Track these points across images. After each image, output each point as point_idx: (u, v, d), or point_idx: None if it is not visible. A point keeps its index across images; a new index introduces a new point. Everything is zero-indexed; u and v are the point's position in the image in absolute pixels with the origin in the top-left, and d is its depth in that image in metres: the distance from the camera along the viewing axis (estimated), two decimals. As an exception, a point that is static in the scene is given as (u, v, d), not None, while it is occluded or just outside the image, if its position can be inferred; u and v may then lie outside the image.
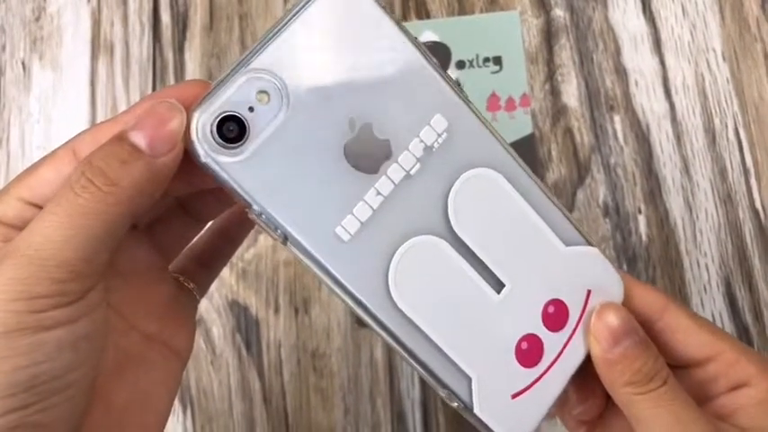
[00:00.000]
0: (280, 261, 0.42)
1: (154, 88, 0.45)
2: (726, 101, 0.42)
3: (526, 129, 0.42)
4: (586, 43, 0.43)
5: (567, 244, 0.24)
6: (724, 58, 0.42)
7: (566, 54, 0.43)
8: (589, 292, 0.25)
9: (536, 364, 0.24)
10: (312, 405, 0.40)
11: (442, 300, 0.23)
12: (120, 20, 0.46)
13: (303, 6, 0.21)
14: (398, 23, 0.22)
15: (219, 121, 0.20)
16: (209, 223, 0.28)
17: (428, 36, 0.44)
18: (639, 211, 0.41)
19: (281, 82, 0.21)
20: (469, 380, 0.23)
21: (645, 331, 0.24)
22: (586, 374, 0.25)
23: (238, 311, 0.41)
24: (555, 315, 0.24)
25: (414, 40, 0.22)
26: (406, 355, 0.23)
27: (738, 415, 0.24)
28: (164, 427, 0.23)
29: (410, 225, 0.22)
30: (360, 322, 0.40)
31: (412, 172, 0.22)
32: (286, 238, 0.21)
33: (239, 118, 0.20)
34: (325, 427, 0.39)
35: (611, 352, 0.23)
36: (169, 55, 0.46)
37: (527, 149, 0.42)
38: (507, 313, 0.24)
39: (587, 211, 0.41)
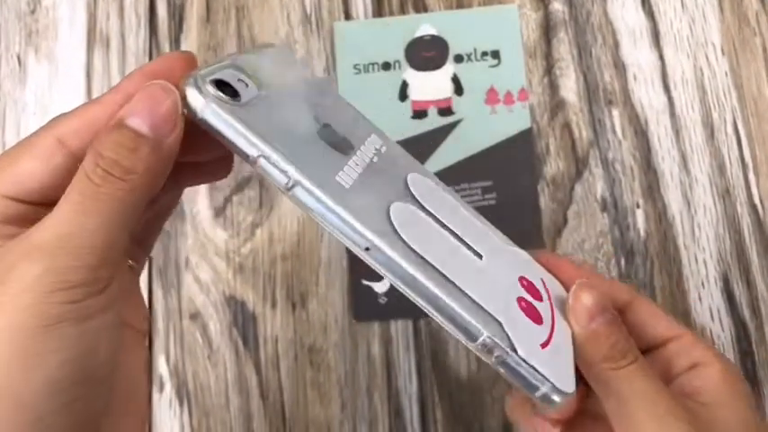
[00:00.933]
0: (277, 255, 0.42)
1: (150, 82, 0.45)
2: (725, 95, 0.41)
3: (524, 123, 0.42)
4: (585, 37, 0.43)
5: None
6: (723, 53, 0.42)
7: (564, 48, 0.43)
8: (542, 280, 0.26)
9: (541, 322, 0.24)
10: (309, 400, 0.40)
11: (442, 251, 0.22)
12: (116, 12, 0.46)
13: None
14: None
15: (214, 81, 0.20)
16: None
17: (426, 30, 0.44)
18: (638, 206, 0.41)
19: (258, 80, 0.22)
20: (500, 323, 0.22)
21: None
22: None
23: (235, 306, 0.41)
24: (530, 288, 0.25)
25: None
26: (428, 302, 0.21)
27: (700, 392, 0.25)
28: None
29: (392, 192, 0.23)
30: (357, 317, 0.40)
31: (374, 160, 0.24)
32: (291, 184, 0.21)
33: (230, 84, 0.21)
34: (322, 422, 0.39)
35: (588, 328, 0.24)
36: (165, 48, 0.45)
37: (525, 144, 0.42)
38: (496, 275, 0.24)
39: (585, 206, 0.41)
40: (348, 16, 0.45)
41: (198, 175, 0.25)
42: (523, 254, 0.27)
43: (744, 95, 0.41)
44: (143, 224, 0.26)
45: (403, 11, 0.44)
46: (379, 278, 0.41)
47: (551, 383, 0.22)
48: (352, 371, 0.40)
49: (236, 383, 0.40)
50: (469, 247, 0.24)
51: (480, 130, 0.42)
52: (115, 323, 0.20)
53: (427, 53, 0.43)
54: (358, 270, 0.41)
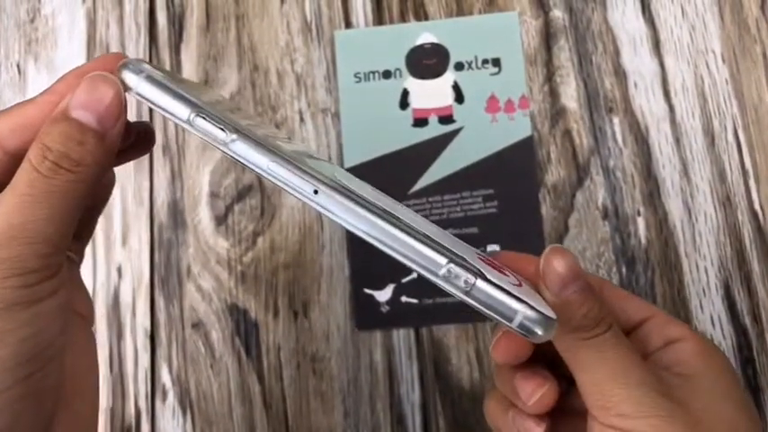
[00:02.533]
0: (278, 264, 0.42)
1: (150, 90, 0.45)
2: (725, 103, 0.42)
3: (525, 131, 0.42)
4: (585, 45, 0.43)
5: None
6: (723, 60, 0.42)
7: (564, 55, 0.43)
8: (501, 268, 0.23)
9: (506, 275, 0.22)
10: (312, 408, 0.40)
11: (389, 206, 0.22)
12: (116, 21, 0.46)
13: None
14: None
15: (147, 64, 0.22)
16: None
17: (426, 37, 0.44)
18: (638, 214, 0.41)
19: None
20: (463, 257, 0.20)
21: None
22: (533, 360, 0.25)
23: (237, 315, 0.41)
24: (489, 260, 0.23)
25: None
26: (386, 237, 0.20)
27: (675, 365, 0.25)
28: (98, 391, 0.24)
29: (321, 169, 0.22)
30: (359, 325, 0.40)
31: (299, 149, 0.24)
32: (230, 139, 0.21)
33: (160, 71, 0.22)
34: (325, 431, 0.39)
35: (559, 296, 0.23)
36: (165, 56, 0.45)
37: (526, 152, 0.42)
38: (451, 238, 0.23)
39: (586, 214, 0.41)
40: (348, 24, 0.44)
41: (124, 156, 0.25)
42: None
43: (744, 103, 0.41)
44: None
45: (403, 19, 0.44)
46: (381, 287, 0.41)
47: (528, 304, 0.20)
48: (354, 379, 0.40)
49: (238, 392, 0.40)
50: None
51: (481, 138, 0.42)
52: (63, 306, 0.21)
53: (428, 61, 0.43)
54: (360, 279, 0.41)
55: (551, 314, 0.21)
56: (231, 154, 0.21)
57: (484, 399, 0.29)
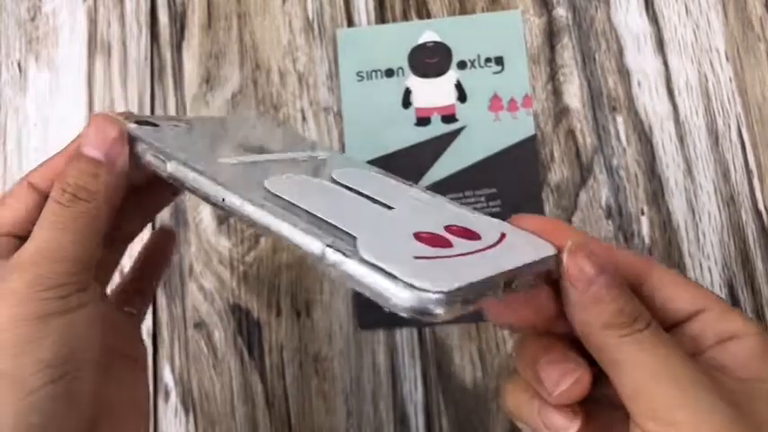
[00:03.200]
0: (281, 264, 0.41)
1: (152, 88, 0.45)
2: (729, 101, 0.41)
3: (528, 130, 0.42)
4: (589, 43, 0.43)
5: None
6: (727, 58, 0.42)
7: (568, 54, 0.43)
8: (503, 234, 0.22)
9: (445, 247, 0.20)
10: (315, 408, 0.40)
11: (320, 199, 0.23)
12: (117, 20, 0.46)
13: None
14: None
15: (143, 121, 0.26)
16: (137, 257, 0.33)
17: (429, 36, 0.44)
18: (642, 213, 0.41)
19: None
20: (353, 236, 0.20)
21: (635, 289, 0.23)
22: (560, 345, 0.22)
23: (240, 315, 0.41)
24: (460, 231, 0.22)
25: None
26: (274, 229, 0.21)
27: (732, 367, 0.22)
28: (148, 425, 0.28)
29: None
30: (362, 325, 0.40)
31: (302, 159, 0.27)
32: (169, 168, 0.24)
33: (158, 124, 0.26)
34: (327, 430, 0.39)
35: (587, 291, 0.21)
36: (167, 55, 0.45)
37: (529, 151, 0.42)
38: (401, 217, 0.22)
39: (590, 213, 0.41)
40: (351, 23, 0.44)
41: (153, 207, 0.31)
42: (495, 221, 0.23)
43: (748, 101, 0.41)
44: (138, 276, 0.32)
45: (406, 17, 0.44)
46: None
47: (408, 284, 0.17)
48: (357, 379, 0.40)
49: (241, 392, 0.40)
50: (380, 203, 0.23)
51: (484, 137, 0.42)
52: (92, 319, 0.24)
53: (430, 60, 0.43)
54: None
55: (442, 287, 0.18)
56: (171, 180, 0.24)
57: (503, 386, 0.25)
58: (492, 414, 0.39)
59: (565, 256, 0.21)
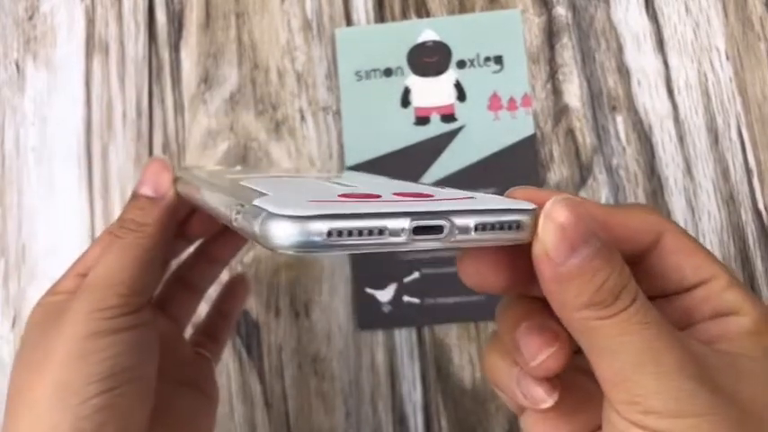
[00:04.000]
0: (280, 264, 0.41)
1: (150, 88, 0.45)
2: (729, 100, 0.41)
3: (528, 129, 0.42)
4: (588, 42, 0.43)
5: None
6: (727, 57, 0.42)
7: (567, 53, 0.43)
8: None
9: (366, 199, 0.19)
10: (313, 409, 0.40)
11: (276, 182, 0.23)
12: (115, 19, 0.46)
13: None
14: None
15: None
16: (212, 304, 0.36)
17: (428, 35, 0.43)
18: (642, 213, 0.40)
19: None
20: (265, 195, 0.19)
21: (640, 254, 0.21)
22: (543, 310, 0.21)
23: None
24: (409, 195, 0.20)
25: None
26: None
27: (723, 342, 0.20)
28: None
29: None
30: (361, 325, 0.40)
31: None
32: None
33: None
34: (326, 431, 0.39)
35: (565, 264, 0.18)
36: (165, 54, 0.45)
37: (529, 150, 0.42)
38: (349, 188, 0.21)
39: (589, 213, 0.41)
40: (350, 22, 0.44)
41: (219, 264, 0.35)
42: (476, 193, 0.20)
43: (748, 100, 0.41)
44: (212, 322, 0.36)
45: (405, 16, 0.44)
46: (382, 287, 0.41)
47: (267, 211, 0.17)
48: (356, 379, 0.40)
49: (240, 392, 0.40)
50: (344, 185, 0.23)
51: (483, 136, 0.42)
52: (141, 341, 0.26)
53: (429, 59, 0.43)
54: (361, 278, 0.41)
55: (291, 212, 0.16)
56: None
57: (485, 349, 0.23)
58: (491, 414, 0.39)
59: (541, 216, 0.18)
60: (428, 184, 0.25)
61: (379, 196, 0.19)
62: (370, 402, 0.40)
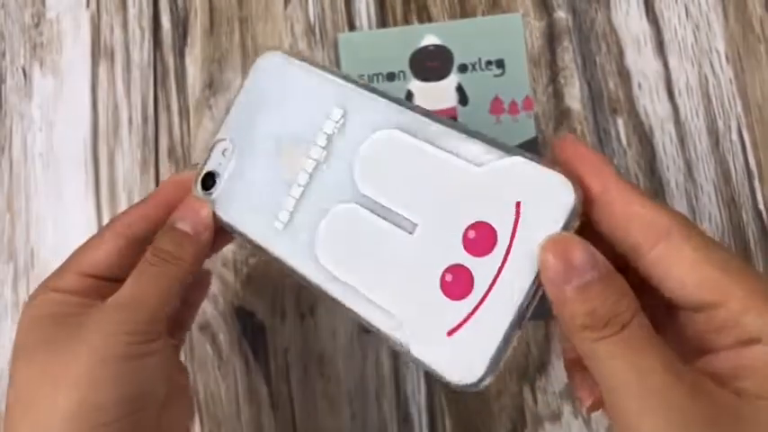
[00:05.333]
0: (285, 267, 0.42)
1: (155, 93, 0.45)
2: (729, 102, 0.42)
3: (529, 132, 0.42)
4: (589, 45, 0.43)
5: (484, 164, 0.23)
6: (728, 60, 0.42)
7: (568, 56, 0.43)
8: (518, 204, 0.22)
9: (467, 294, 0.22)
10: (319, 410, 0.40)
11: (361, 254, 0.25)
12: (120, 25, 0.46)
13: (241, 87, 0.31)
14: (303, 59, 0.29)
15: (203, 177, 0.31)
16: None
17: (430, 39, 0.44)
18: (643, 215, 0.41)
19: (232, 142, 0.30)
20: (401, 322, 0.24)
21: (634, 258, 0.21)
22: None
23: (244, 317, 0.42)
24: (478, 239, 0.22)
25: (315, 64, 0.29)
26: (344, 308, 0.25)
27: (743, 376, 0.19)
28: None
29: (327, 201, 0.27)
30: (365, 329, 0.41)
31: (320, 159, 0.27)
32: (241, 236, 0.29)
33: (213, 173, 0.31)
34: (332, 432, 0.40)
35: (560, 291, 0.20)
36: (170, 60, 0.45)
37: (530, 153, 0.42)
38: (424, 249, 0.24)
39: (591, 215, 0.41)
40: (352, 27, 0.45)
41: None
42: (510, 166, 0.23)
43: (749, 103, 0.41)
44: (178, 309, 0.35)
45: (407, 21, 0.44)
46: (386, 289, 0.41)
47: (447, 379, 0.22)
48: (361, 381, 0.40)
49: (246, 394, 0.41)
50: (406, 220, 0.24)
51: (485, 139, 0.42)
52: (161, 366, 0.27)
53: (431, 63, 0.43)
54: (366, 281, 0.41)
55: (471, 378, 0.22)
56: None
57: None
58: (494, 414, 0.39)
59: (538, 252, 0.21)
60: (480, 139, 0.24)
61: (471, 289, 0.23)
62: (375, 403, 0.40)
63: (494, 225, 0.22)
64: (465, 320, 0.22)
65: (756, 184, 0.40)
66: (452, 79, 0.43)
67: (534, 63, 0.43)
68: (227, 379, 0.41)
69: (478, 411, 0.39)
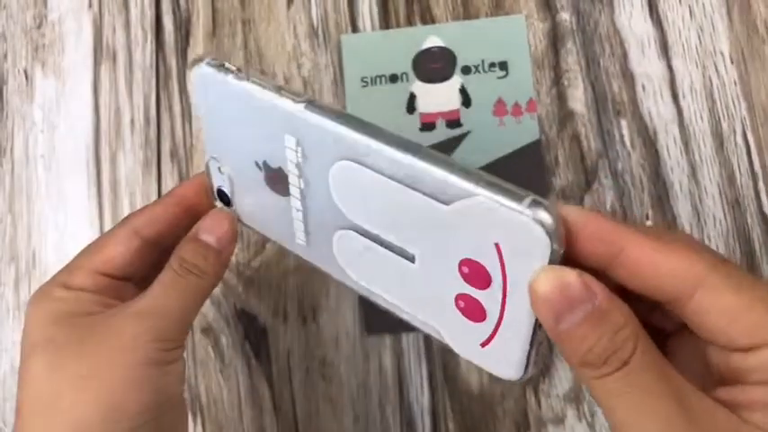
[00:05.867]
0: (287, 269, 0.42)
1: (157, 95, 0.45)
2: (734, 104, 0.41)
3: (533, 134, 0.42)
4: (593, 47, 0.43)
5: (451, 201, 0.21)
6: (732, 62, 0.42)
7: (572, 58, 0.43)
8: (497, 245, 0.20)
9: (484, 318, 0.22)
10: (322, 413, 0.40)
11: (379, 273, 0.26)
12: (122, 26, 0.46)
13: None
14: (249, 80, 0.26)
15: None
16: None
17: (433, 41, 0.44)
18: (647, 218, 0.41)
19: (220, 159, 0.30)
20: (438, 331, 0.25)
21: (671, 309, 0.20)
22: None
23: (246, 320, 0.41)
24: (473, 274, 0.22)
25: (262, 83, 0.26)
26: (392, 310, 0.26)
27: (753, 408, 0.19)
28: None
29: (327, 227, 0.26)
30: (368, 329, 0.40)
31: (302, 186, 0.26)
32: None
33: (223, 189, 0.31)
34: (334, 435, 0.40)
35: (553, 331, 0.19)
36: (172, 61, 0.45)
37: (534, 155, 0.42)
38: (431, 278, 0.23)
39: (595, 217, 0.41)
40: (355, 29, 0.44)
41: None
42: (475, 205, 0.20)
43: (753, 104, 0.41)
44: None
45: (410, 22, 0.44)
46: (389, 292, 0.41)
47: (494, 375, 0.23)
48: (363, 384, 0.40)
49: (248, 397, 0.40)
50: (402, 252, 0.24)
51: (489, 142, 0.42)
52: (182, 372, 0.28)
53: (435, 65, 0.43)
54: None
55: (515, 375, 0.23)
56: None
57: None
58: (498, 418, 0.39)
59: (528, 287, 0.20)
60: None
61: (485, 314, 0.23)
62: (378, 406, 0.40)
63: (482, 263, 0.21)
64: (491, 337, 0.23)
65: (761, 186, 0.40)
66: (455, 81, 0.43)
67: (538, 65, 0.43)
68: (229, 382, 0.41)
69: (482, 415, 0.39)
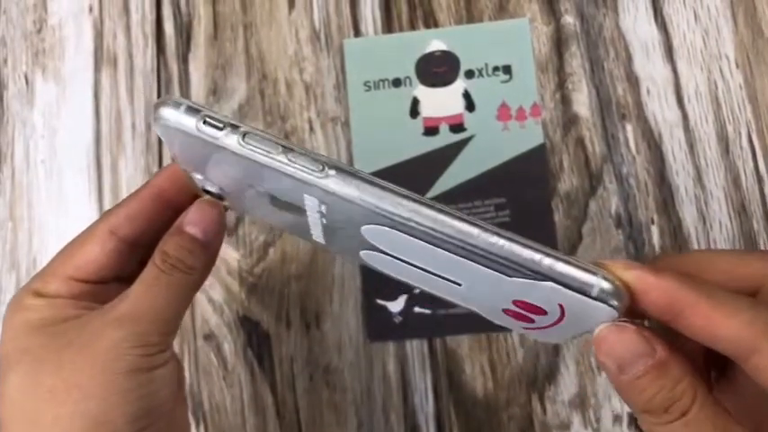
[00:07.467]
0: (290, 275, 0.41)
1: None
2: (739, 108, 0.41)
3: (537, 139, 0.42)
4: (597, 51, 0.43)
5: (514, 275, 0.21)
6: (737, 65, 0.42)
7: (576, 62, 0.43)
8: (561, 306, 0.22)
9: (532, 324, 0.23)
10: (325, 420, 0.40)
11: (413, 277, 0.25)
12: (123, 31, 0.46)
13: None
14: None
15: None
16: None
17: (436, 45, 0.43)
18: (652, 222, 0.40)
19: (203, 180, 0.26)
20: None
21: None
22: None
23: (249, 327, 0.41)
24: (527, 308, 0.23)
25: (263, 150, 0.21)
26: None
27: None
28: None
29: (357, 246, 0.24)
30: (371, 336, 0.40)
31: (324, 222, 0.24)
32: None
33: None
34: (338, 442, 0.39)
35: (616, 380, 0.21)
36: (173, 66, 0.45)
37: (538, 160, 0.41)
38: (480, 297, 0.24)
39: (599, 222, 0.41)
40: (358, 32, 0.44)
41: None
42: (548, 288, 0.21)
43: (758, 108, 0.41)
44: None
45: (413, 26, 0.44)
46: (393, 297, 0.41)
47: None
48: (367, 390, 0.40)
49: (251, 404, 0.40)
50: (445, 278, 0.23)
51: (493, 146, 0.42)
52: (172, 375, 0.26)
53: (438, 69, 0.43)
54: (372, 289, 0.41)
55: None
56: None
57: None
58: (503, 424, 0.39)
59: (594, 342, 0.21)
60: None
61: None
62: (382, 413, 0.40)
63: (541, 306, 0.22)
64: (535, 329, 0.24)
65: (767, 190, 0.40)
66: (459, 85, 0.43)
67: (542, 69, 0.43)
68: (232, 389, 0.40)
69: (487, 421, 0.39)
